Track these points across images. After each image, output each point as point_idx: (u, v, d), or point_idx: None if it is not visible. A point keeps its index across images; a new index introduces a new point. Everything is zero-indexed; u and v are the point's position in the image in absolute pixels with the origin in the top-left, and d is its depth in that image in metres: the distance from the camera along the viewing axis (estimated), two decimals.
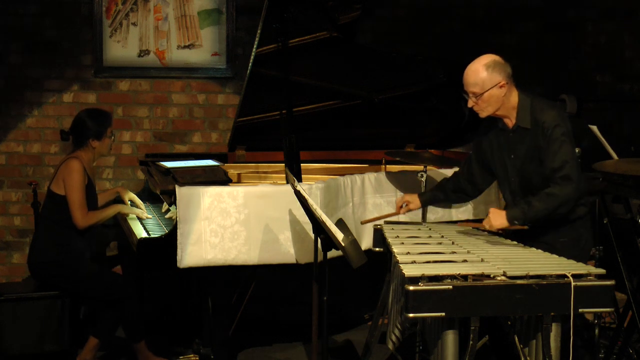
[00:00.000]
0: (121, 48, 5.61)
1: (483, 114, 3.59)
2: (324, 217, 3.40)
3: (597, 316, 4.23)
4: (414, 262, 3.15)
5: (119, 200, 4.69)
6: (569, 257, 3.22)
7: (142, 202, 4.66)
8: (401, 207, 4.06)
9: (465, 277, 2.96)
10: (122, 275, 4.53)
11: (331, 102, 4.89)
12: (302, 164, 4.36)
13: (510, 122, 3.60)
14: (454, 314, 2.92)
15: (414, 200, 4.04)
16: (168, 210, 4.47)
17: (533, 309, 2.97)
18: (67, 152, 4.52)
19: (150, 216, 4.57)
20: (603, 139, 4.42)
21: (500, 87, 3.50)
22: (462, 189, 3.94)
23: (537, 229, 3.52)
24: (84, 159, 4.37)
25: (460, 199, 4.11)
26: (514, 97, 3.57)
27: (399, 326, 3.36)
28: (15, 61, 5.55)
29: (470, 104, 3.58)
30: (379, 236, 3.92)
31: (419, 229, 3.89)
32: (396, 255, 3.28)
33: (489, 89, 3.49)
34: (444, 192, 4.00)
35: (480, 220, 3.65)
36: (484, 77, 3.49)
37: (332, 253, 3.55)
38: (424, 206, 4.15)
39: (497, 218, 3.49)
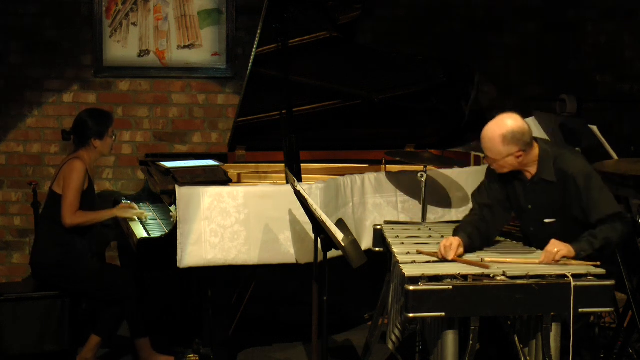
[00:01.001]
0: (121, 48, 5.61)
1: (501, 172, 3.56)
2: (324, 217, 3.40)
3: (597, 316, 4.23)
4: (414, 262, 3.16)
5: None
6: None
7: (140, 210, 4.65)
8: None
9: (465, 277, 2.96)
10: (122, 274, 4.52)
11: (331, 102, 4.89)
12: (302, 164, 4.36)
13: (530, 173, 3.56)
14: (454, 314, 2.92)
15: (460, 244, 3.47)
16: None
17: (533, 309, 2.98)
18: (69, 152, 4.52)
19: (148, 214, 4.56)
20: (603, 139, 4.42)
21: (517, 157, 3.47)
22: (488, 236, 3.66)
23: None
24: (86, 160, 4.38)
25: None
26: (535, 151, 3.53)
27: (399, 326, 3.37)
28: (15, 61, 5.55)
29: (488, 161, 3.55)
30: (379, 236, 3.92)
31: (419, 229, 3.90)
32: (396, 255, 3.29)
33: (504, 158, 3.46)
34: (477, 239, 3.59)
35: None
36: (500, 148, 3.44)
37: (332, 253, 3.55)
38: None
39: (561, 246, 3.30)
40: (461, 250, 3.37)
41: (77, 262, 4.33)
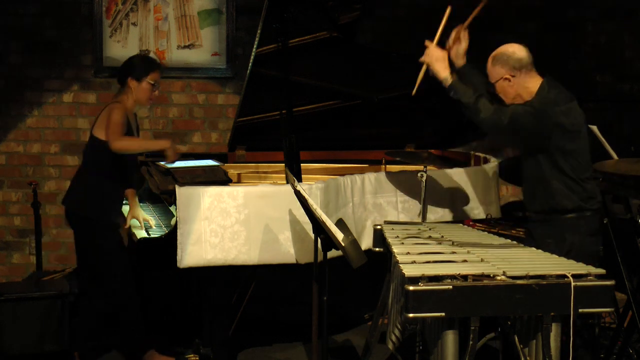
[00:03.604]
0: (121, 48, 5.62)
1: (506, 101, 3.68)
2: (324, 217, 3.40)
3: (597, 316, 4.23)
4: (414, 262, 3.15)
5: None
6: None
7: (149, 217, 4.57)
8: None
9: (465, 277, 2.96)
10: (122, 275, 4.50)
11: (331, 102, 4.90)
12: (302, 164, 4.36)
13: None
14: (454, 314, 2.92)
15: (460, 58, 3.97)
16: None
17: (533, 309, 2.97)
18: (112, 98, 4.37)
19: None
20: (603, 139, 4.42)
21: (505, 79, 3.61)
22: None
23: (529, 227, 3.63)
24: (127, 104, 4.24)
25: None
26: (534, 84, 3.65)
27: (399, 326, 3.36)
28: (15, 61, 5.56)
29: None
30: (379, 236, 3.92)
31: (419, 229, 3.89)
32: (396, 255, 3.28)
33: (497, 81, 3.64)
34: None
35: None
36: (490, 70, 3.67)
37: (332, 253, 3.55)
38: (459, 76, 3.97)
39: (436, 52, 3.82)
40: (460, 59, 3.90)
41: (104, 216, 4.24)
